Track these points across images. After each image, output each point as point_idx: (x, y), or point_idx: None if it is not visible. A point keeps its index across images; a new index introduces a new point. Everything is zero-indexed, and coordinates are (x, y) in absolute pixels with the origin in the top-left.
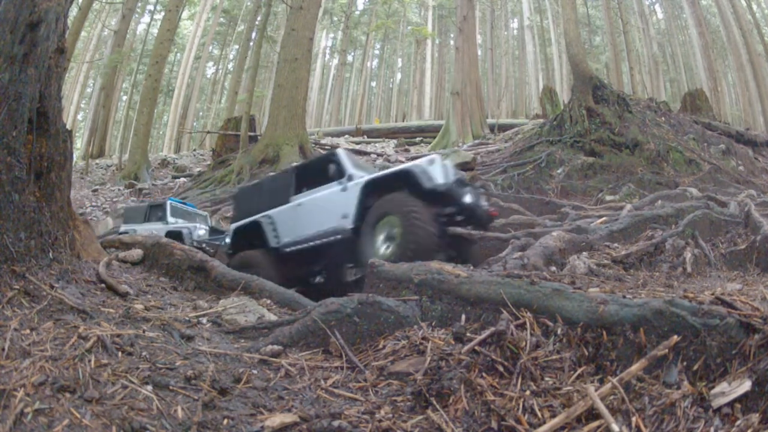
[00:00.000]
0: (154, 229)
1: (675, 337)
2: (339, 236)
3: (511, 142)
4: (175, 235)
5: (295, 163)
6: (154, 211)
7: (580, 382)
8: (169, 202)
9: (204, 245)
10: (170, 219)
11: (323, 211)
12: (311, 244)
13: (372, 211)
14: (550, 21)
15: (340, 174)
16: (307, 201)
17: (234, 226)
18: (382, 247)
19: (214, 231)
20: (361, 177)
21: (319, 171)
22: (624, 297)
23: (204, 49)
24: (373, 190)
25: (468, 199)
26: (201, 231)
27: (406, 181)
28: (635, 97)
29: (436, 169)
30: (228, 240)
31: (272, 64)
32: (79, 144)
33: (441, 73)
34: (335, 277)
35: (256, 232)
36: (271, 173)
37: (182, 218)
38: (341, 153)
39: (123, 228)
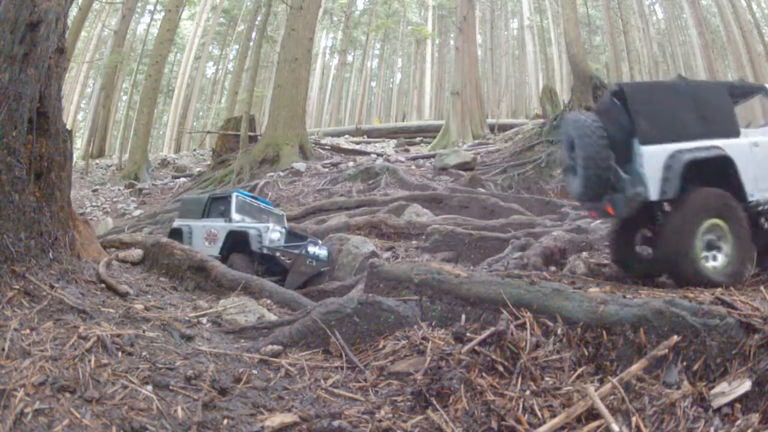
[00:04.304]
0: (213, 227)
1: (675, 337)
2: None
3: (511, 142)
4: (240, 237)
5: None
6: (216, 205)
7: (580, 382)
8: (234, 195)
9: (278, 253)
10: (235, 216)
11: None
12: None
13: None
14: (550, 21)
15: None
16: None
17: (687, 156)
18: None
19: (292, 235)
20: None
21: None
22: (624, 297)
23: (204, 49)
24: None
25: None
26: (275, 234)
27: None
28: None
29: None
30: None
31: (272, 64)
32: (79, 144)
33: (441, 73)
34: None
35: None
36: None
37: (250, 216)
38: None
39: (176, 223)
